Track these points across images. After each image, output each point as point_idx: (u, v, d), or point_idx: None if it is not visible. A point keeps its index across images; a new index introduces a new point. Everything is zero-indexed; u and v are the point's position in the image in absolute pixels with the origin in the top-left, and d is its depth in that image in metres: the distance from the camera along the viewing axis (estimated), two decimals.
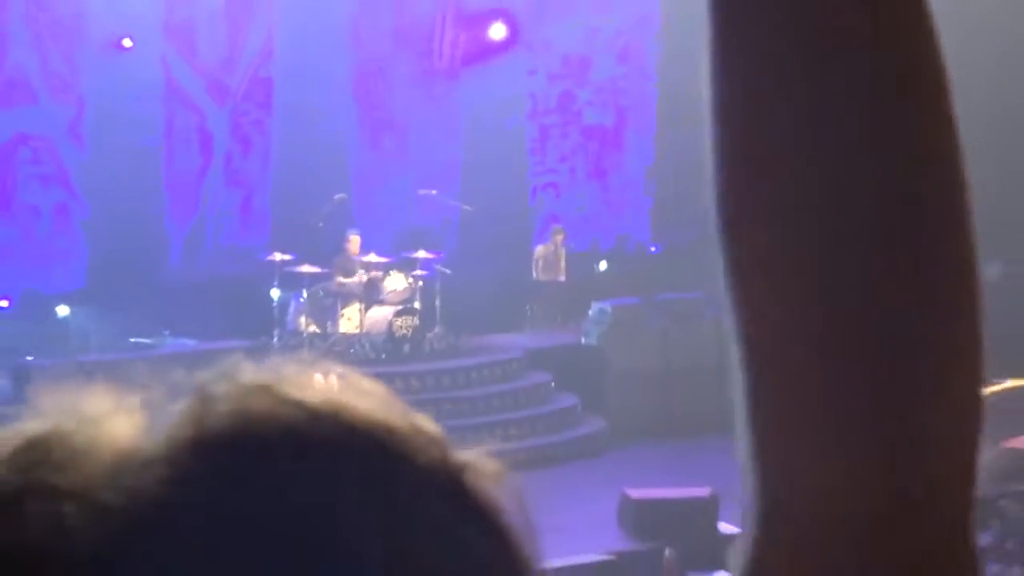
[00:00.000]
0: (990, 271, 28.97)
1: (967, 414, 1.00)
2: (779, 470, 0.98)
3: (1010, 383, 21.66)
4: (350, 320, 21.50)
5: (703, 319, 21.70)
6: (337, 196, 22.74)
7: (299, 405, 0.72)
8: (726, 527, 16.07)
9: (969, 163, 1.09)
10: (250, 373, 0.75)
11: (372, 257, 21.87)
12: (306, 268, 21.18)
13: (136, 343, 21.62)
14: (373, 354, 20.85)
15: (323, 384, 0.75)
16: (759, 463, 0.97)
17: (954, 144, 0.97)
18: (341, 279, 21.69)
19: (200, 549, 0.69)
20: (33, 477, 0.71)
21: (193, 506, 0.69)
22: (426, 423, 0.75)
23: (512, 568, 0.73)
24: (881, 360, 0.97)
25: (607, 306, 22.79)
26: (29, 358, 20.21)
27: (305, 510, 0.69)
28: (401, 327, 21.36)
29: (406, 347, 21.25)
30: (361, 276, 21.82)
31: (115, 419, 0.74)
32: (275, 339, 21.16)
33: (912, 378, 0.98)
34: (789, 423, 0.98)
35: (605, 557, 15.50)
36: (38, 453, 0.72)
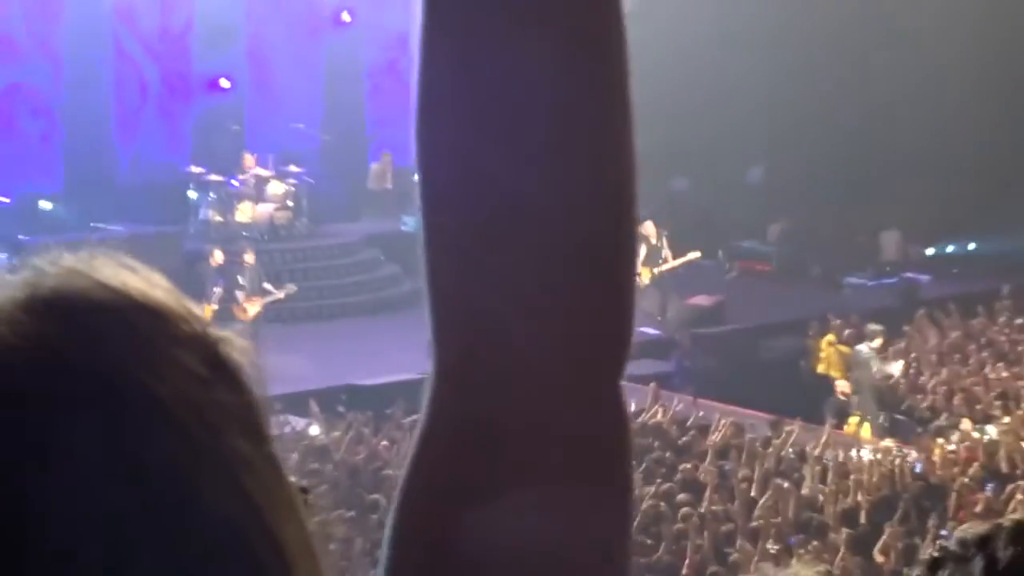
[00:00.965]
0: (753, 175, 28.37)
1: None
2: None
3: (690, 256, 23.64)
4: (244, 213, 24.48)
5: None
6: (234, 127, 26.72)
7: (101, 284, 0.85)
8: None
9: None
10: (72, 260, 0.88)
11: (259, 171, 25.20)
12: (213, 177, 24.73)
13: (94, 227, 24.30)
14: (259, 236, 24.03)
15: (122, 273, 0.87)
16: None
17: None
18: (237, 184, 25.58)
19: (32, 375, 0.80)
20: None
21: (27, 348, 0.81)
22: (196, 308, 0.89)
23: (249, 408, 0.86)
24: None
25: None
26: (21, 237, 23.61)
27: (101, 356, 0.82)
28: (279, 219, 24.91)
29: (282, 232, 24.76)
30: (251, 183, 25.15)
31: None
32: (190, 227, 24.86)
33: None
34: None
35: (416, 376, 17.21)
36: None
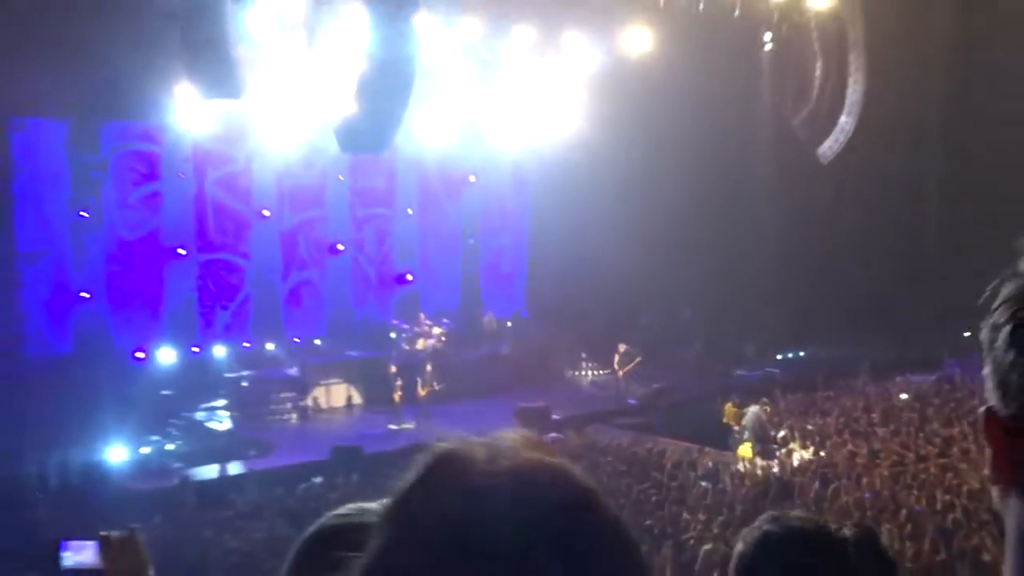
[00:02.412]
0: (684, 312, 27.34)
1: None
2: None
3: (638, 359, 23.94)
4: (420, 344, 24.63)
5: None
6: (413, 294, 26.68)
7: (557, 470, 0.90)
8: None
9: None
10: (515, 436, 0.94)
11: (427, 322, 25.29)
12: (404, 325, 25.17)
13: (346, 353, 25.10)
14: (428, 357, 24.02)
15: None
16: None
17: None
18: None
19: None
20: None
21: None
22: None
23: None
24: None
25: None
26: (310, 360, 24.32)
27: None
28: (437, 346, 24.81)
29: (440, 353, 24.52)
30: (424, 328, 25.06)
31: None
32: (393, 351, 24.57)
33: None
34: None
35: None
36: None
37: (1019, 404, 0.97)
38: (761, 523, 2.07)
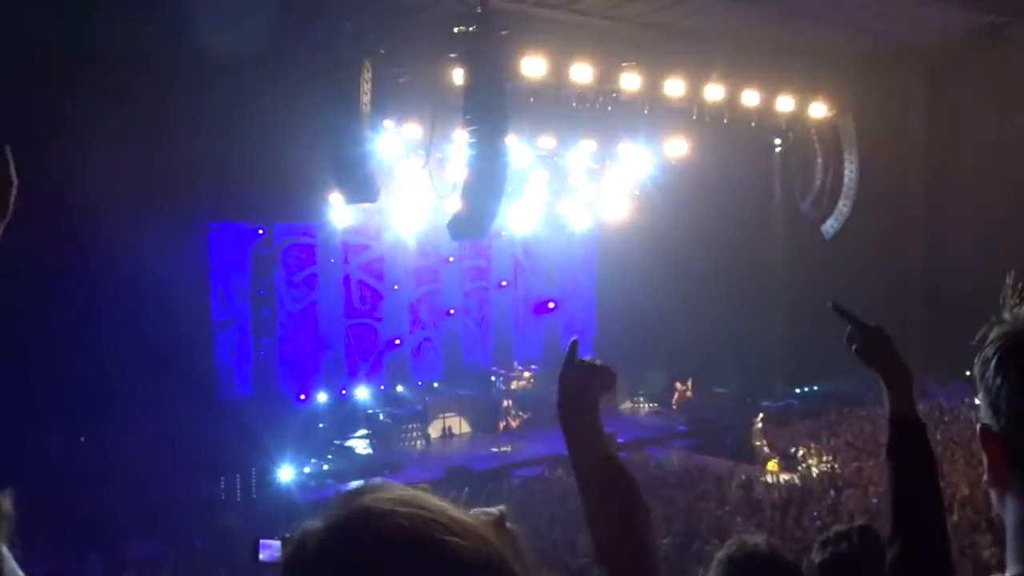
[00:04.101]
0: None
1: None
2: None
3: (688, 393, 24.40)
4: (517, 384, 24.07)
5: None
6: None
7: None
8: None
9: None
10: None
11: (519, 368, 24.73)
12: (502, 369, 24.49)
13: (453, 391, 24.41)
14: (519, 394, 23.65)
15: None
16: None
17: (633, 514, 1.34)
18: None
19: None
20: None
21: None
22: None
23: None
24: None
25: None
26: (426, 399, 23.54)
27: None
28: (527, 386, 24.08)
29: (530, 389, 23.84)
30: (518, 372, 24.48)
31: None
32: (493, 390, 23.96)
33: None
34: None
35: None
36: None
37: (1007, 419, 0.98)
38: (727, 546, 2.03)
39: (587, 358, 1.59)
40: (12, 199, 1.40)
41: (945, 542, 2.07)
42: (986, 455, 1.02)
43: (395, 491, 0.83)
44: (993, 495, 1.04)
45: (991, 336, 1.03)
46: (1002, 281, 1.05)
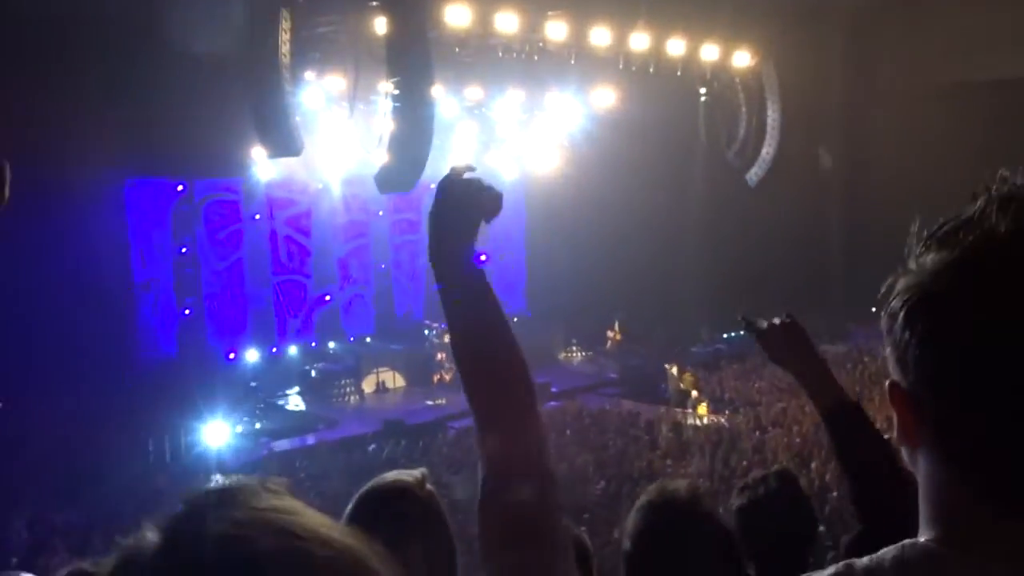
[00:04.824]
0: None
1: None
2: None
3: (619, 338, 24.49)
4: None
5: None
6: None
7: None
8: None
9: None
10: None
11: None
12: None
13: (392, 348, 24.00)
14: None
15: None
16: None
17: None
18: None
19: None
20: None
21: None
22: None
23: None
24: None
25: None
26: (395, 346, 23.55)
27: None
28: None
29: None
30: None
31: None
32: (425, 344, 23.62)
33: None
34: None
35: None
36: None
37: (916, 376, 0.95)
38: (647, 492, 2.02)
39: (474, 177, 1.41)
40: None
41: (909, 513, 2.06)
42: (895, 412, 0.99)
43: (246, 505, 0.69)
44: (904, 453, 1.02)
45: (897, 288, 0.98)
46: (914, 225, 1.02)
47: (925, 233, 0.99)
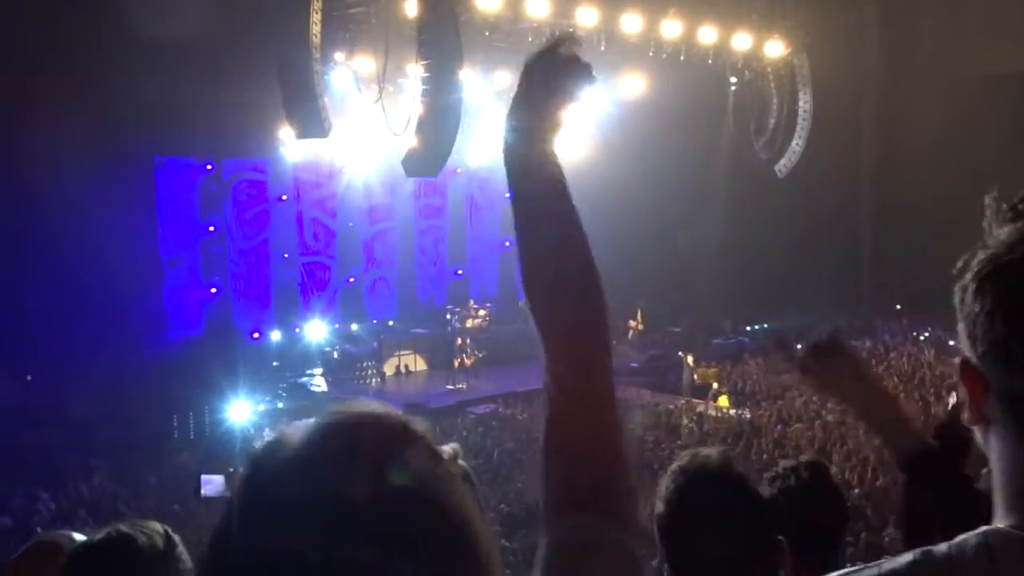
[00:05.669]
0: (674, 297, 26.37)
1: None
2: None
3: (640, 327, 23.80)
4: (471, 322, 24.08)
5: None
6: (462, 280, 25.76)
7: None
8: None
9: None
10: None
11: (475, 306, 24.66)
12: (457, 308, 24.36)
13: (413, 331, 24.36)
14: (476, 332, 23.65)
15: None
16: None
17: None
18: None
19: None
20: None
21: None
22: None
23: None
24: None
25: None
26: (418, 329, 23.91)
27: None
28: (483, 325, 24.14)
29: (485, 328, 24.03)
30: (472, 311, 24.35)
31: None
32: (448, 328, 23.91)
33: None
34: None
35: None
36: None
37: (985, 347, 0.92)
38: (679, 457, 1.95)
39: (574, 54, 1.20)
40: None
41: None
42: (966, 390, 0.95)
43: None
44: (977, 433, 0.98)
45: (972, 263, 0.95)
46: (953, 218, 1.00)
47: (1004, 206, 0.96)
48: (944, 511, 1.81)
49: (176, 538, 1.68)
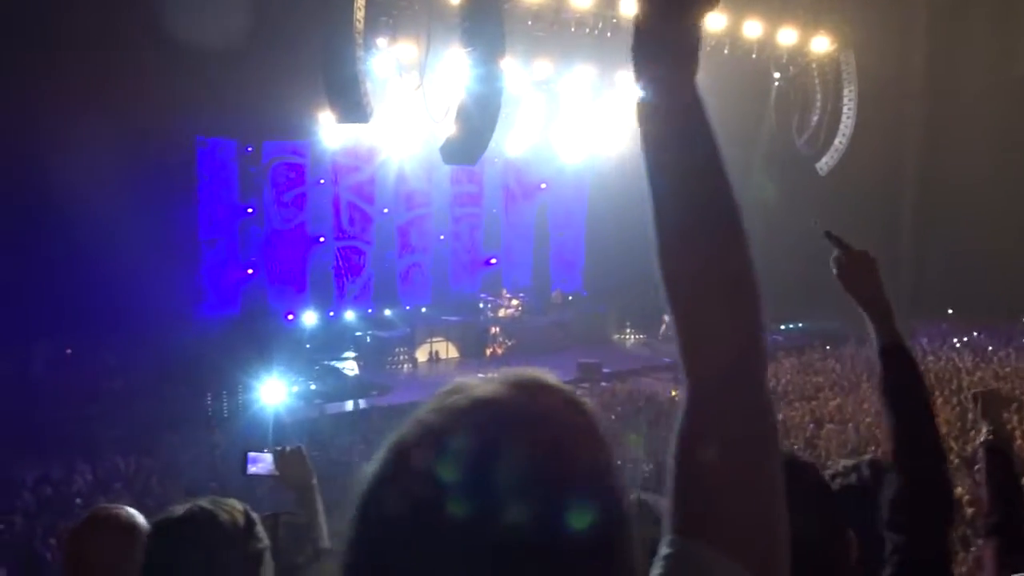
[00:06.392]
0: None
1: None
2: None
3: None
4: (503, 311, 24.51)
5: None
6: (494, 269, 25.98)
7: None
8: None
9: None
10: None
11: (507, 295, 25.13)
12: (491, 296, 24.90)
13: (444, 319, 24.50)
14: (509, 321, 24.16)
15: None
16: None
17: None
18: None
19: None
20: None
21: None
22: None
23: None
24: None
25: None
26: (446, 318, 23.99)
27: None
28: (516, 314, 24.59)
29: (518, 318, 24.61)
30: (506, 299, 24.91)
31: None
32: (481, 316, 24.65)
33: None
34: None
35: None
36: None
37: None
38: None
39: None
40: None
41: (944, 470, 2.11)
42: None
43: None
44: None
45: None
46: (997, 224, 0.87)
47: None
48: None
49: (255, 516, 1.70)
